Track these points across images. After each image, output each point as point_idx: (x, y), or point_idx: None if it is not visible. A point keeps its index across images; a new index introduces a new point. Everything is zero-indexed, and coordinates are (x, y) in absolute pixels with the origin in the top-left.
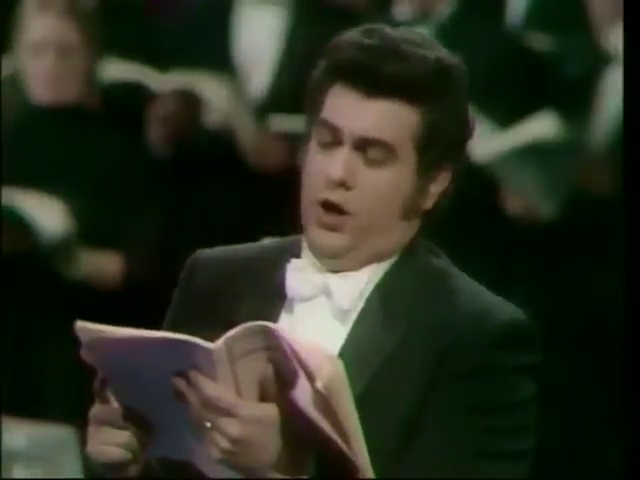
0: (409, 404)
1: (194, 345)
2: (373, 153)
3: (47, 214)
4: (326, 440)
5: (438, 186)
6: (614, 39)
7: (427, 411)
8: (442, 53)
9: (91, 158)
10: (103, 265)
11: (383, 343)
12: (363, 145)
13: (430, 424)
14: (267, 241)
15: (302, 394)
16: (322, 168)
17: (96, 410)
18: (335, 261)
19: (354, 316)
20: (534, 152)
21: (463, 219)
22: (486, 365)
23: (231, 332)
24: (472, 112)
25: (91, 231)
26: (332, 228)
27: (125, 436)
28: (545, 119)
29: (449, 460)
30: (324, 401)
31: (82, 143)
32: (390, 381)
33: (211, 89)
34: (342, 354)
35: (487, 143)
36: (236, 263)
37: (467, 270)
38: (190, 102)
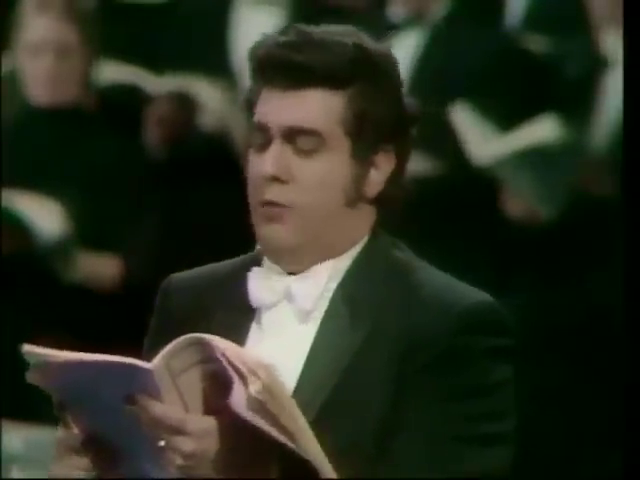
0: (382, 399)
1: (134, 367)
2: (303, 143)
3: (44, 215)
4: (278, 442)
5: (380, 172)
6: (614, 41)
7: (401, 404)
8: (364, 40)
9: (88, 159)
10: (101, 267)
11: (350, 342)
12: (291, 136)
13: (405, 417)
14: (237, 258)
15: (240, 401)
16: (258, 169)
17: (59, 435)
18: (288, 257)
19: (319, 317)
20: (534, 155)
21: (463, 221)
22: (454, 351)
23: (166, 349)
24: (409, 96)
25: (88, 233)
26: (275, 220)
27: (86, 461)
28: (545, 122)
29: (428, 450)
30: (262, 406)
31: (79, 144)
32: (360, 378)
33: (207, 91)
34: (310, 356)
35: (487, 145)
36: (206, 283)
37: (467, 272)
38: (186, 104)
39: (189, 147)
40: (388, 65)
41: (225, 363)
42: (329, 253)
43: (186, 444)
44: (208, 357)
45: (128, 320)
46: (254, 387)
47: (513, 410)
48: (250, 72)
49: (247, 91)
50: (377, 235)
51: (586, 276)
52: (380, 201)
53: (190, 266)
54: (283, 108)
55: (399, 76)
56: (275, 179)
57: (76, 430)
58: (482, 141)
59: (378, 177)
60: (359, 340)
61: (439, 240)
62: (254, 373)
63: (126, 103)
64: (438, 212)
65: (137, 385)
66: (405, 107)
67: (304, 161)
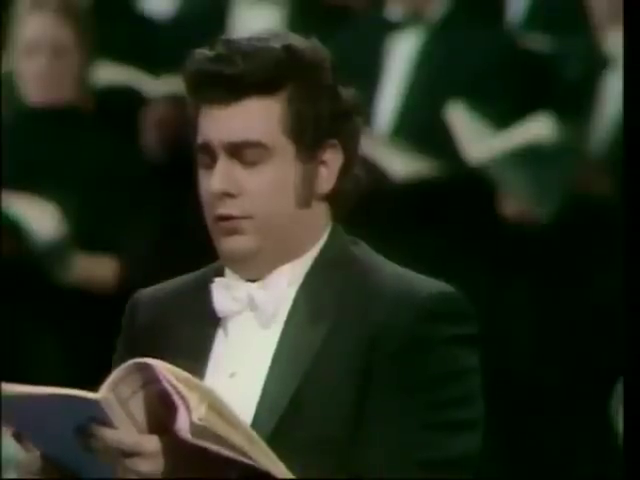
0: (348, 393)
1: (81, 399)
2: (248, 155)
3: (41, 217)
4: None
5: (329, 167)
6: (614, 40)
7: (368, 396)
8: (292, 40)
9: (85, 160)
10: (98, 269)
11: (312, 339)
12: (236, 150)
13: (373, 408)
14: (201, 269)
15: (184, 427)
16: (207, 186)
17: (21, 458)
18: (248, 265)
19: (282, 321)
20: (531, 154)
21: (459, 222)
22: (417, 340)
23: (111, 377)
24: (346, 87)
25: (85, 235)
26: (232, 232)
27: None
28: (542, 121)
29: (397, 439)
30: (206, 430)
31: (75, 145)
32: (325, 375)
33: None
34: (274, 360)
35: (483, 145)
36: (171, 297)
37: (463, 273)
38: (184, 106)
39: (187, 149)
40: (318, 61)
41: (169, 389)
42: (288, 256)
43: (142, 464)
44: (153, 379)
45: None
46: (196, 414)
47: (480, 397)
48: (185, 90)
49: (188, 110)
50: (335, 234)
51: (585, 278)
52: (334, 197)
53: (188, 269)
54: (223, 123)
55: (332, 69)
56: (225, 194)
57: (36, 453)
58: (478, 141)
59: (328, 174)
60: (320, 338)
61: (435, 240)
62: (196, 400)
63: (123, 105)
64: (433, 212)
65: (87, 415)
66: (343, 99)
67: (251, 172)
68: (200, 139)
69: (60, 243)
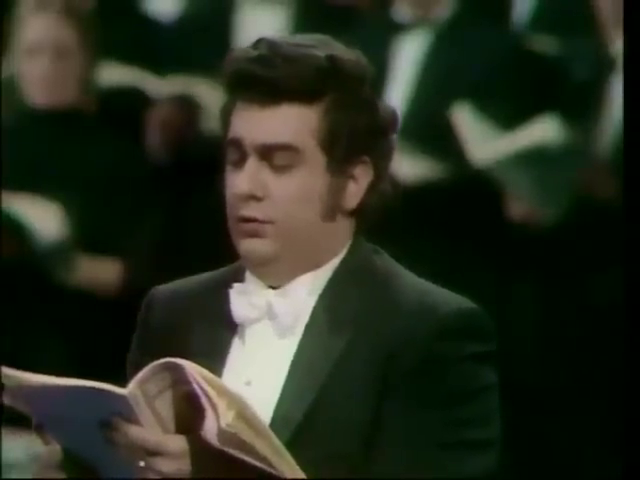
0: (364, 407)
1: (108, 392)
2: (278, 159)
3: (43, 218)
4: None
5: (358, 183)
6: (620, 42)
7: (384, 411)
8: (336, 50)
9: (88, 162)
10: (101, 271)
11: (330, 351)
12: (267, 153)
13: (389, 424)
14: (220, 269)
15: (212, 432)
16: (234, 186)
17: (41, 451)
18: (268, 270)
19: (301, 331)
20: (537, 156)
21: (464, 224)
22: (434, 358)
23: (140, 374)
24: (386, 104)
25: (88, 236)
26: (254, 235)
27: (68, 477)
28: (548, 122)
29: (412, 457)
30: (233, 437)
31: (79, 146)
32: (341, 388)
33: (209, 94)
34: (291, 371)
35: (489, 147)
36: (188, 296)
37: (469, 276)
38: (189, 108)
39: (191, 150)
40: (360, 74)
41: (199, 392)
42: (309, 265)
43: (165, 464)
44: (182, 380)
45: (128, 325)
46: (224, 420)
47: (497, 415)
48: (223, 86)
49: (223, 104)
50: (357, 244)
51: (589, 280)
52: (359, 212)
53: (192, 271)
54: (257, 124)
55: (372, 83)
56: (251, 196)
57: (56, 447)
58: (484, 142)
59: (356, 189)
60: (338, 351)
61: (440, 243)
62: (225, 407)
63: (127, 106)
64: (439, 214)
65: (112, 409)
66: (381, 115)
67: (280, 177)
68: (232, 134)
69: (63, 245)
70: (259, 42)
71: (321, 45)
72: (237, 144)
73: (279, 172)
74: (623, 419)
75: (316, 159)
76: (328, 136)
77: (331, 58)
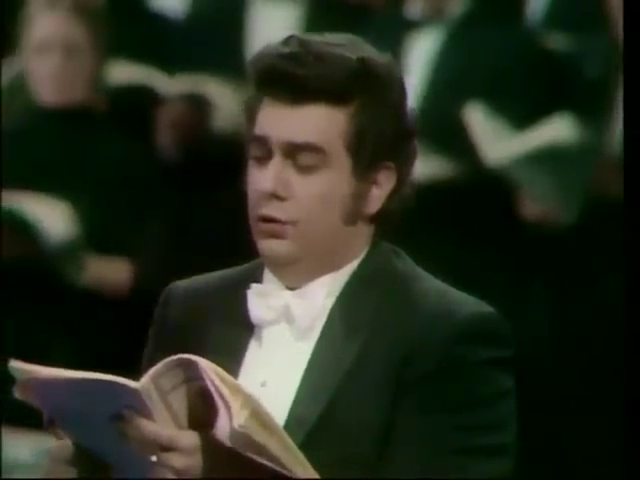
0: (378, 410)
1: (122, 386)
2: (304, 159)
3: (53, 218)
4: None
5: (381, 188)
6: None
7: (398, 415)
8: (367, 53)
9: (98, 161)
10: (110, 271)
11: (345, 353)
12: (292, 152)
13: (404, 427)
14: (239, 267)
15: (224, 431)
16: (257, 184)
17: (52, 446)
18: (287, 271)
19: (317, 333)
20: (550, 155)
21: (478, 223)
22: (450, 362)
23: (154, 369)
24: (411, 110)
25: (98, 236)
26: (274, 235)
27: (79, 472)
28: (562, 121)
29: (427, 462)
30: (246, 438)
31: (89, 145)
32: (356, 389)
33: (221, 92)
34: (307, 373)
35: (502, 146)
36: (205, 294)
37: (482, 276)
38: (199, 106)
39: (202, 149)
40: (391, 78)
41: (212, 389)
42: (328, 267)
43: (178, 460)
44: (197, 376)
45: (138, 325)
46: (237, 420)
47: (513, 421)
48: (251, 81)
49: (248, 98)
50: (376, 246)
51: (605, 279)
52: (380, 217)
53: (202, 271)
54: (284, 122)
55: (403, 88)
56: (274, 196)
57: (67, 441)
58: (497, 141)
59: (379, 195)
60: (353, 353)
61: (453, 242)
62: (238, 406)
63: (137, 104)
64: (452, 213)
65: (125, 403)
66: (408, 120)
67: (304, 178)
68: (257, 131)
69: (73, 244)
70: (290, 39)
71: (352, 46)
72: (262, 141)
73: (304, 172)
74: (623, 424)
75: (341, 162)
76: (355, 139)
77: (362, 60)
